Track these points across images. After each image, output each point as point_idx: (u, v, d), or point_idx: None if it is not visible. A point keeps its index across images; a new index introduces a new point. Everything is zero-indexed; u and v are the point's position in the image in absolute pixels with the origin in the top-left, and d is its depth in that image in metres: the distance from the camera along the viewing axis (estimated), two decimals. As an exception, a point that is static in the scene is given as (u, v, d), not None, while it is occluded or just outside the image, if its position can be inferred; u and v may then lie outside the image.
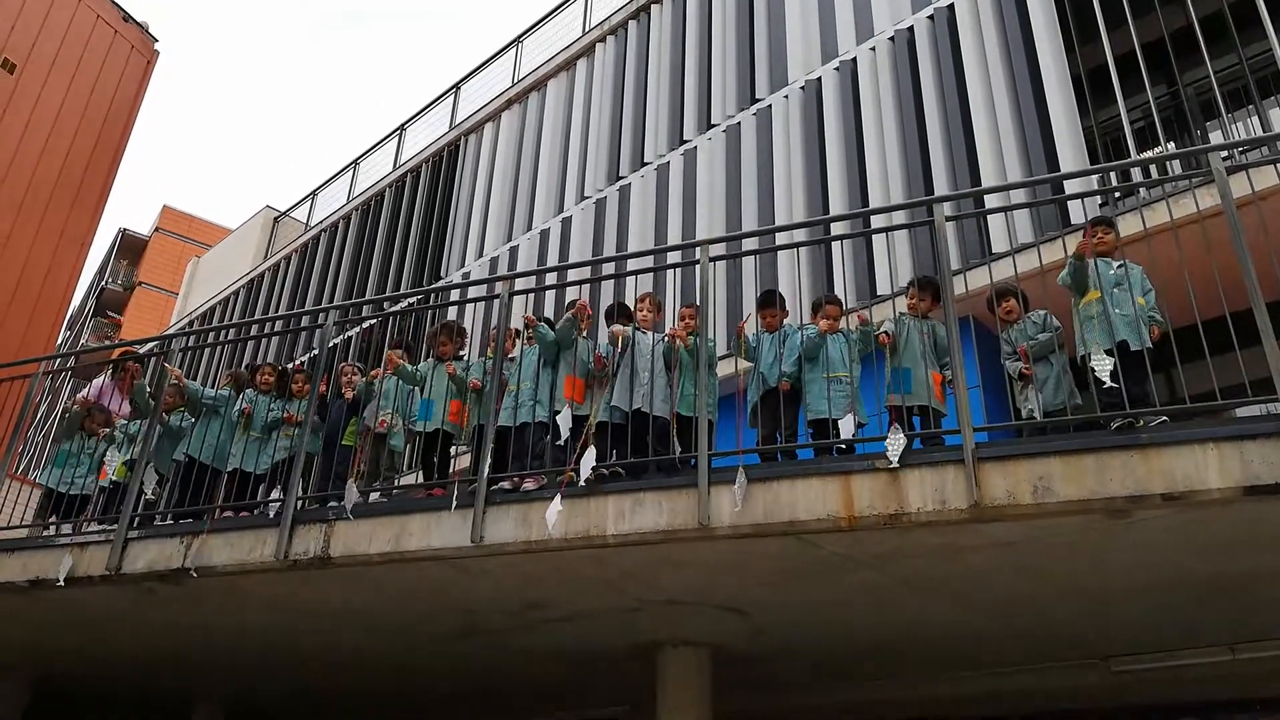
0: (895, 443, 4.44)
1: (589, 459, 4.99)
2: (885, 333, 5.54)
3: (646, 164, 12.70)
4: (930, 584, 5.38)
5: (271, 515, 5.73)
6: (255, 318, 19.57)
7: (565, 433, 5.38)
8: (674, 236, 11.55)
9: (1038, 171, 8.55)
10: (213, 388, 7.35)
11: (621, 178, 13.00)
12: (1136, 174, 7.81)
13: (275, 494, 6.00)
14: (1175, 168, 7.81)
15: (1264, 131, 8.06)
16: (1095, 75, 8.76)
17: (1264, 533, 4.49)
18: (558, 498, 4.84)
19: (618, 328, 5.86)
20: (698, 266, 5.47)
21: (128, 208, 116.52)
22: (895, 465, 4.39)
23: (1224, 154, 5.09)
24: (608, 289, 10.67)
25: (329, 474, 6.39)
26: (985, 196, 8.59)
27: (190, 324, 22.40)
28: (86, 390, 7.99)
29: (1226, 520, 4.30)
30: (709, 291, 5.39)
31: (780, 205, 10.64)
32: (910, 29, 10.32)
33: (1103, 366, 4.64)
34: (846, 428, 4.98)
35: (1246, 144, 7.63)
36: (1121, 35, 8.61)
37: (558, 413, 5.52)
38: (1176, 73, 8.50)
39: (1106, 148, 8.83)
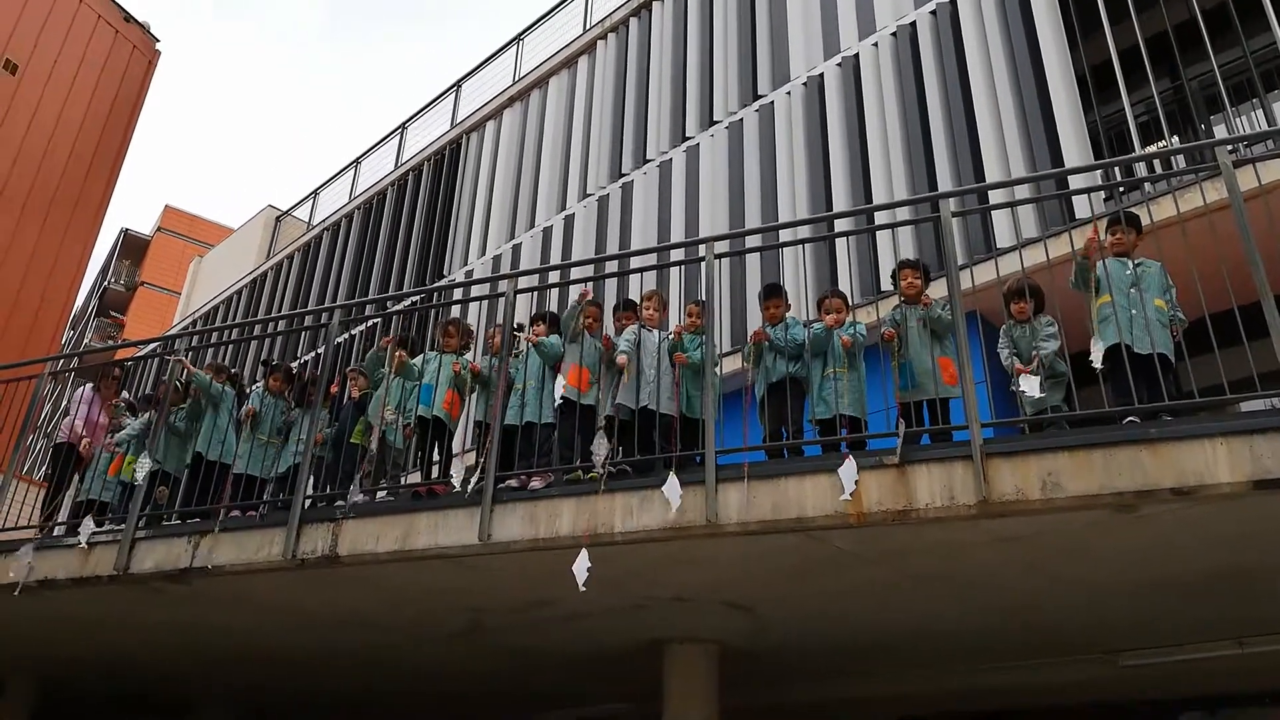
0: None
1: (600, 447, 5.00)
2: (890, 327, 5.51)
3: (649, 161, 12.69)
4: (937, 580, 5.37)
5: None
6: (258, 317, 19.57)
7: (558, 398, 5.50)
8: (677, 234, 11.53)
9: (1041, 166, 8.53)
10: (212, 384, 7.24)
11: (624, 175, 12.98)
12: (1141, 169, 7.78)
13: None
14: (1180, 162, 7.79)
15: (1268, 125, 8.04)
16: (1098, 70, 8.74)
17: (1271, 526, 4.49)
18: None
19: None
20: (702, 264, 5.47)
21: (130, 208, 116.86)
22: (897, 460, 4.39)
23: (1230, 148, 5.07)
24: (611, 286, 10.66)
25: (337, 473, 6.40)
26: (990, 192, 8.58)
27: (193, 324, 22.41)
28: (70, 404, 7.95)
29: (1235, 514, 4.30)
30: (714, 289, 5.40)
31: (784, 202, 10.63)
32: (913, 24, 10.30)
33: (1096, 352, 4.70)
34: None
35: (1253, 138, 7.60)
36: (1124, 29, 8.58)
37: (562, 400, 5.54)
38: (1180, 66, 8.48)
39: (1110, 142, 8.81)
